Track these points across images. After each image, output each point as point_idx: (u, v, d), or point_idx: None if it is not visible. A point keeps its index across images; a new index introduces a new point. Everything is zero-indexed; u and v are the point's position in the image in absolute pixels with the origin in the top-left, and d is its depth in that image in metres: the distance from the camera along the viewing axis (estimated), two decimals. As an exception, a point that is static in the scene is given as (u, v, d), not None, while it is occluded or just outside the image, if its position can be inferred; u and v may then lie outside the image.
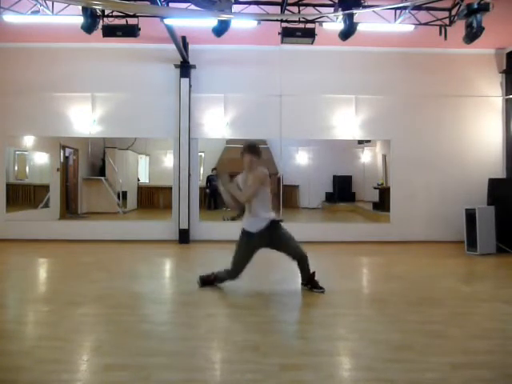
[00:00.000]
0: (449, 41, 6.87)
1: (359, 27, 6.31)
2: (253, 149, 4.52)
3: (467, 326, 3.70)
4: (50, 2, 6.42)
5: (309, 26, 6.59)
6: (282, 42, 6.71)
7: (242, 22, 6.86)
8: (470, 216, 7.29)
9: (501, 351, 3.15)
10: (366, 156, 12.35)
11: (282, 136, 8.69)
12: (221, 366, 2.97)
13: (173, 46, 7.66)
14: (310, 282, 4.70)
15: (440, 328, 3.60)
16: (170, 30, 6.84)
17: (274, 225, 4.55)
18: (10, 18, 6.48)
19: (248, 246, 4.58)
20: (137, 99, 8.64)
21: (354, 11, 5.95)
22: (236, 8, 6.39)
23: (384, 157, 10.46)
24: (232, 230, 8.62)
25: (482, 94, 8.67)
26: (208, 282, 4.83)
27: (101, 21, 6.48)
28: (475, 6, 5.85)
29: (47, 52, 8.51)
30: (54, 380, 2.65)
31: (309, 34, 6.53)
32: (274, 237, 4.54)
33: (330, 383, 2.68)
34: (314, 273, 4.70)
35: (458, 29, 6.40)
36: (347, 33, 6.25)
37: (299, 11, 6.58)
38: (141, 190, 12.93)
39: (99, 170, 12.04)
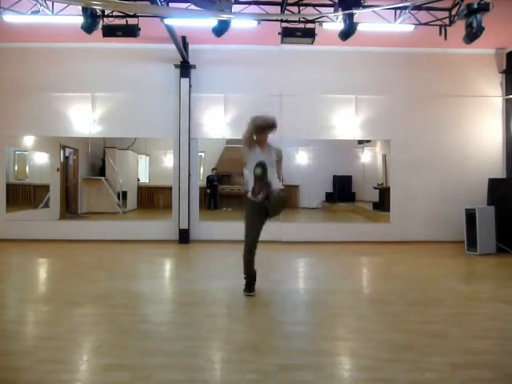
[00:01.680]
0: (449, 41, 6.87)
1: (359, 27, 6.31)
2: (273, 125, 4.44)
3: (467, 325, 3.70)
4: (50, 2, 6.42)
5: (309, 25, 6.59)
6: (282, 42, 6.71)
7: (242, 21, 6.86)
8: (470, 216, 7.29)
9: (501, 351, 3.15)
10: (366, 156, 12.35)
11: (282, 136, 8.66)
12: (221, 366, 2.97)
13: (173, 46, 7.66)
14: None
15: (440, 328, 3.60)
16: (169, 30, 6.84)
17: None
18: (9, 17, 6.48)
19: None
20: (137, 99, 8.64)
21: (354, 11, 5.95)
22: (236, 8, 6.39)
23: (384, 157, 10.46)
24: (232, 230, 8.68)
25: (482, 93, 8.67)
26: (250, 282, 4.58)
27: (101, 21, 6.48)
28: (475, 6, 5.86)
29: (47, 52, 8.51)
30: (54, 380, 2.65)
31: (309, 34, 6.53)
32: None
33: (330, 383, 2.68)
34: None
35: (458, 29, 6.40)
36: (347, 33, 6.25)
37: (299, 11, 6.58)
38: (141, 190, 12.93)
39: (99, 169, 12.04)
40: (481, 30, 5.96)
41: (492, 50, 8.61)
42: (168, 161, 10.94)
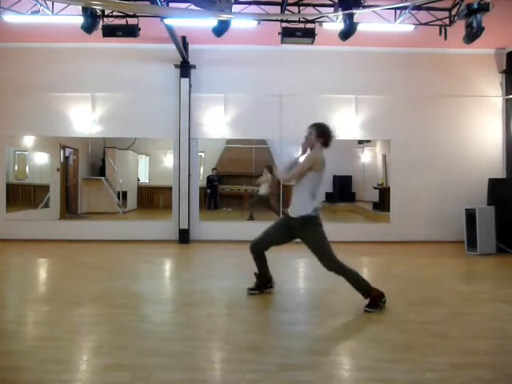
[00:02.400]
0: (449, 41, 6.87)
1: (359, 27, 6.31)
2: (322, 129, 4.18)
3: (467, 326, 3.70)
4: (50, 2, 6.42)
5: (309, 25, 6.59)
6: (282, 42, 6.71)
7: (242, 22, 6.86)
8: (470, 216, 7.29)
9: (501, 351, 3.15)
10: (366, 156, 12.33)
11: (281, 136, 8.69)
12: (221, 366, 2.97)
13: (173, 46, 7.66)
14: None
15: (440, 328, 3.60)
16: (170, 30, 6.84)
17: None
18: (9, 17, 6.48)
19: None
20: (137, 99, 8.64)
21: (354, 11, 5.95)
22: (236, 8, 6.39)
23: (384, 157, 10.45)
24: (232, 230, 8.69)
25: (482, 93, 8.68)
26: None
27: (101, 21, 6.48)
28: (475, 6, 5.86)
29: (47, 52, 8.51)
30: (54, 380, 2.65)
31: (309, 34, 6.53)
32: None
33: (329, 383, 2.68)
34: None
35: (458, 29, 6.40)
36: (347, 33, 6.25)
37: (299, 11, 6.58)
38: (141, 190, 12.91)
39: (99, 169, 12.03)
40: (481, 30, 5.96)
41: (492, 50, 8.61)
42: (168, 161, 10.92)
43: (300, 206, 4.14)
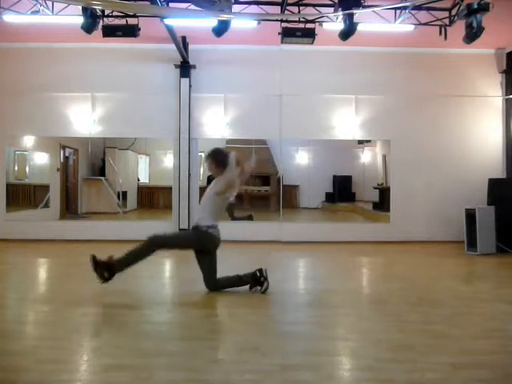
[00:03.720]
0: (449, 41, 6.88)
1: (359, 27, 6.32)
2: (216, 155, 4.67)
3: (468, 326, 3.69)
4: (50, 2, 6.42)
5: (309, 26, 6.60)
6: (282, 42, 6.72)
7: (242, 22, 6.86)
8: (470, 216, 7.28)
9: (501, 351, 3.14)
10: (366, 156, 12.33)
11: (281, 136, 8.69)
12: (221, 366, 2.96)
13: (173, 46, 7.66)
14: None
15: (440, 328, 3.60)
16: (170, 30, 6.84)
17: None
18: (9, 17, 6.49)
19: None
20: (137, 99, 8.64)
21: (354, 11, 5.96)
22: (236, 8, 6.39)
23: (384, 157, 10.45)
24: (231, 230, 8.68)
25: (482, 93, 8.68)
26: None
27: (101, 21, 6.49)
28: (475, 6, 5.86)
29: (47, 52, 8.51)
30: (54, 380, 2.65)
31: (309, 34, 6.54)
32: None
33: (329, 383, 2.67)
34: None
35: (458, 29, 6.41)
36: (347, 33, 6.26)
37: (299, 11, 6.59)
38: (141, 190, 12.90)
39: (99, 169, 12.02)
40: (481, 30, 5.96)
41: (492, 50, 8.61)
42: (168, 161, 10.91)
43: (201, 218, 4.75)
